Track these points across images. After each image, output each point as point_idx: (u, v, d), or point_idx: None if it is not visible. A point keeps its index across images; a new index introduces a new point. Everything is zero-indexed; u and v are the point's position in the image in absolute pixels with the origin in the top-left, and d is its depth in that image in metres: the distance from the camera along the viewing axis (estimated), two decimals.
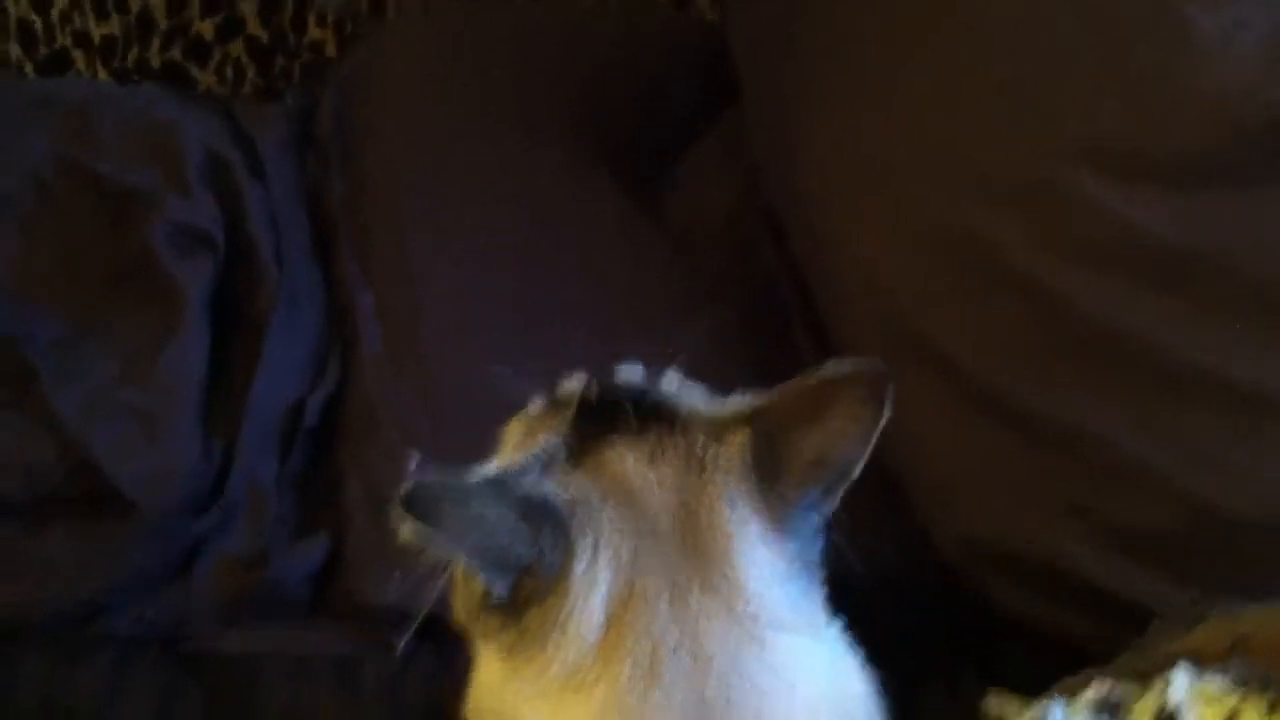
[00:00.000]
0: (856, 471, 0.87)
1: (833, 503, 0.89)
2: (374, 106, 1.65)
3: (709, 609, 0.84)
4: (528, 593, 0.84)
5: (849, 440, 0.86)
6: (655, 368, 0.96)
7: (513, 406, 0.97)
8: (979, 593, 1.18)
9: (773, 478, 0.86)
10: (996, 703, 0.98)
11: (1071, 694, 0.82)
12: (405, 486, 0.79)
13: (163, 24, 1.85)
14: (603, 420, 0.89)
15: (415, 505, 0.79)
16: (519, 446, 0.91)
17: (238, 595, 1.28)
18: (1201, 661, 0.82)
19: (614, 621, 0.83)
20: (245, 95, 1.87)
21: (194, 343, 1.37)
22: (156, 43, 1.85)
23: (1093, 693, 0.81)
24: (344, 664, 1.25)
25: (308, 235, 1.55)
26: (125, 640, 1.26)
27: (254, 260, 1.45)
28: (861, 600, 0.96)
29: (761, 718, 0.83)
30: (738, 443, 0.87)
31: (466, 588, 0.86)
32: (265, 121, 1.63)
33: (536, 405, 0.96)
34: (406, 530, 0.79)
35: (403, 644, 1.09)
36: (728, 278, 1.50)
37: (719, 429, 0.88)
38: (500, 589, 0.84)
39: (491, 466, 0.89)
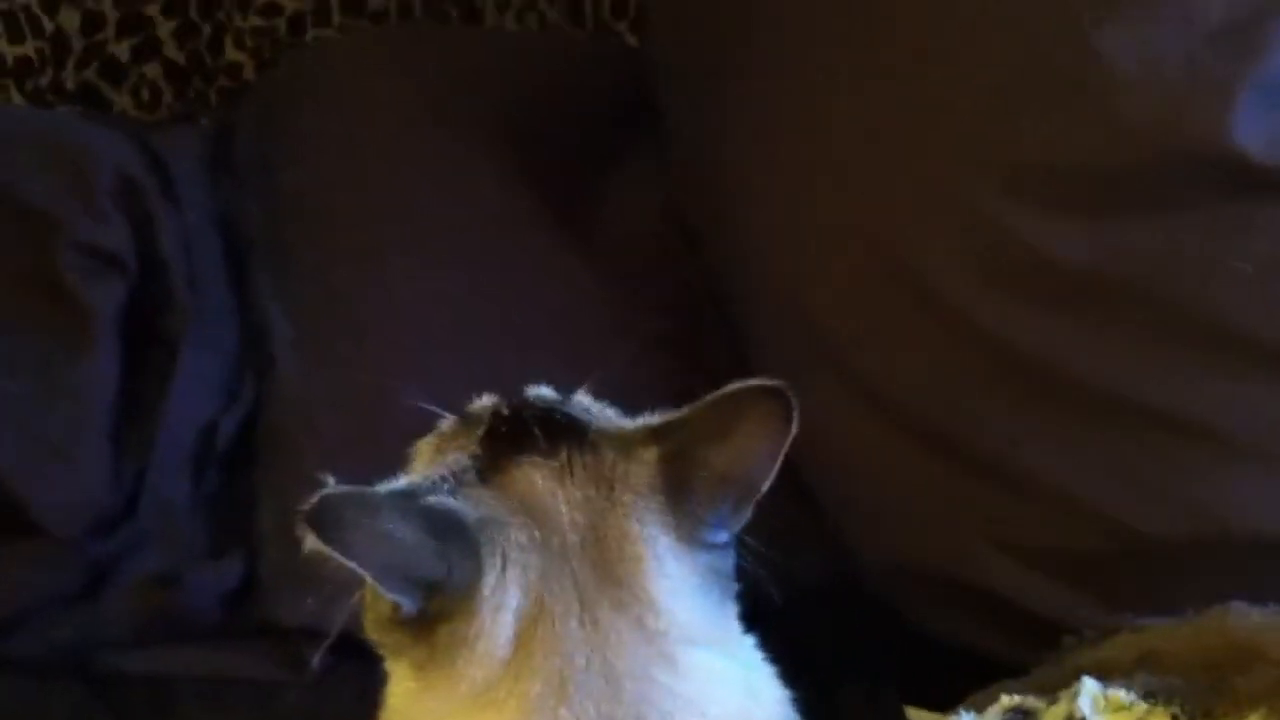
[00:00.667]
0: (765, 486, 0.86)
1: (743, 517, 0.88)
2: (296, 129, 1.64)
3: (619, 627, 0.83)
4: (436, 609, 0.83)
5: (756, 457, 0.85)
6: (565, 388, 0.96)
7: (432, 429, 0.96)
8: (900, 610, 1.19)
9: (682, 494, 0.86)
10: (915, 713, 0.99)
11: (982, 706, 0.82)
12: (311, 499, 0.78)
13: (78, 45, 1.82)
14: (513, 439, 0.89)
15: (320, 518, 0.78)
16: (429, 464, 0.91)
17: (150, 616, 1.26)
18: (1109, 674, 0.83)
19: (523, 639, 0.83)
20: (161, 118, 1.84)
21: (105, 364, 1.35)
22: (71, 64, 1.83)
23: (1003, 703, 0.81)
24: (261, 687, 1.24)
25: (222, 259, 1.53)
26: (35, 664, 1.24)
27: (166, 283, 1.44)
28: (780, 615, 0.96)
29: None
30: (647, 460, 0.87)
31: (375, 605, 0.85)
32: (180, 144, 1.63)
33: (447, 424, 0.95)
34: (310, 544, 0.77)
35: (317, 663, 1.09)
36: (652, 296, 1.50)
37: (628, 446, 0.88)
38: (409, 606, 0.83)
39: (400, 481, 0.89)
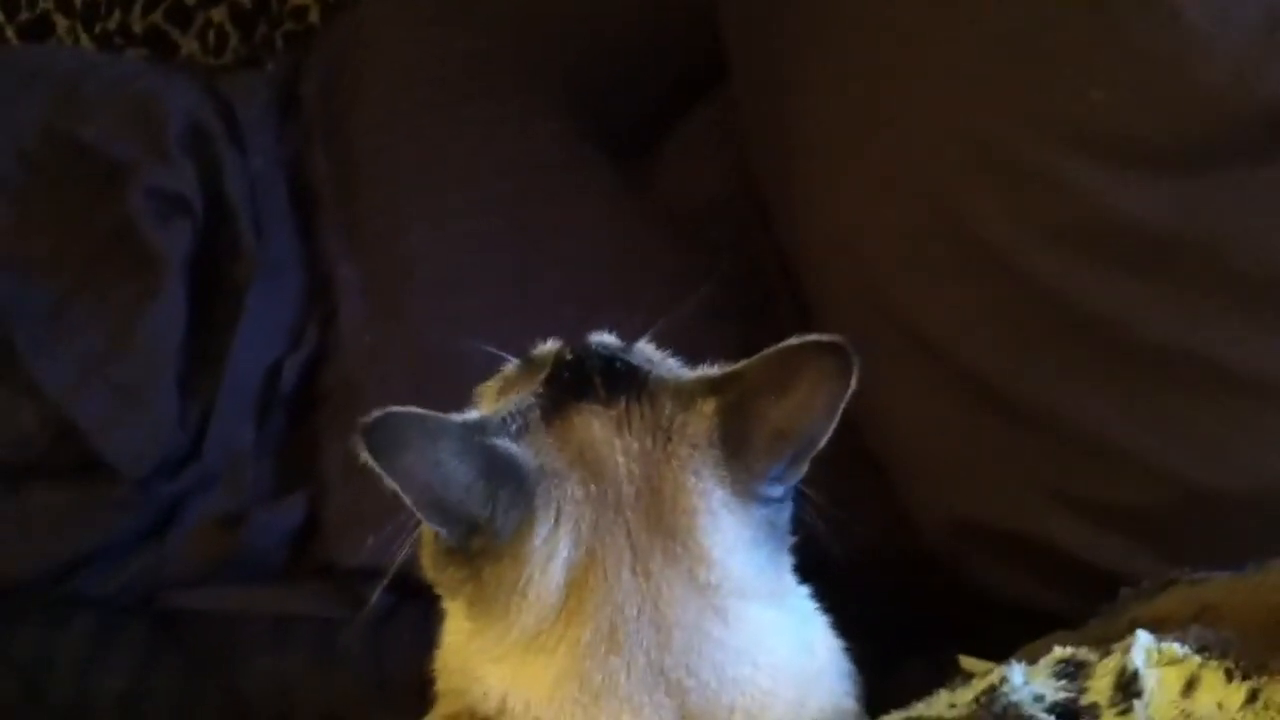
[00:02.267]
0: (823, 442, 0.87)
1: (800, 471, 0.89)
2: (360, 77, 1.64)
3: (671, 578, 0.84)
4: (478, 548, 0.85)
5: (815, 412, 0.86)
6: (629, 337, 0.97)
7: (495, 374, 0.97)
8: (961, 569, 1.19)
9: (739, 448, 0.87)
10: (967, 661, 0.99)
11: (1035, 657, 0.82)
12: (374, 413, 0.79)
13: None
14: (574, 385, 0.90)
15: (378, 435, 0.79)
16: (492, 406, 0.92)
17: (214, 556, 1.29)
18: (1165, 628, 0.82)
19: (574, 589, 0.84)
20: (227, 62, 1.85)
21: (173, 308, 1.37)
22: (138, 7, 1.84)
23: (1055, 655, 0.81)
24: (323, 625, 1.26)
25: (288, 205, 1.54)
26: (104, 602, 1.28)
27: (232, 228, 1.45)
28: (840, 573, 0.97)
29: (722, 685, 0.85)
30: (704, 412, 0.88)
31: (432, 541, 0.87)
32: (247, 90, 1.63)
33: (510, 367, 0.96)
34: (362, 457, 0.79)
35: (375, 599, 1.11)
36: (715, 255, 1.49)
37: (686, 398, 0.89)
38: (447, 536, 0.85)
39: (472, 413, 0.90)
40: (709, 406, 0.88)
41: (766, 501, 0.88)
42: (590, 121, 1.58)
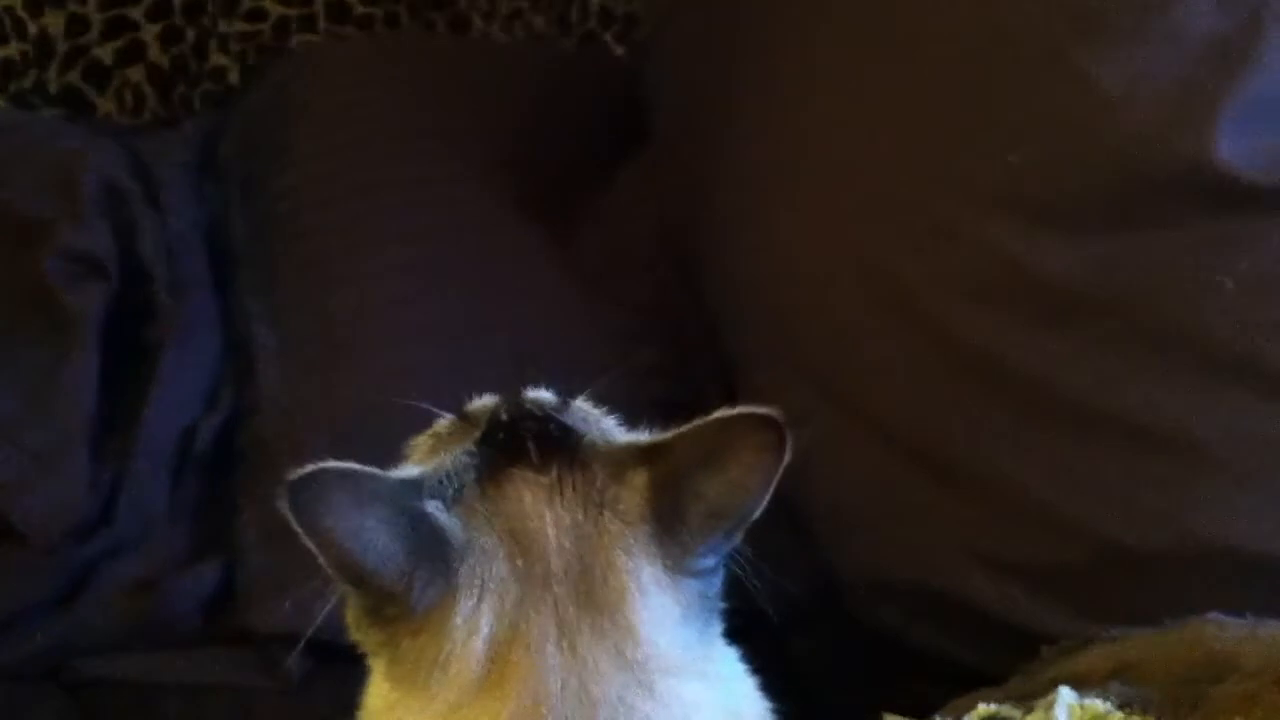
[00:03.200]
0: (757, 514, 0.87)
1: (734, 542, 0.89)
2: (282, 137, 1.65)
3: (598, 654, 0.84)
4: (392, 615, 0.84)
5: (750, 490, 0.86)
6: (565, 393, 0.96)
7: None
8: (883, 626, 1.19)
9: (672, 526, 0.86)
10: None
11: (960, 714, 0.83)
12: (305, 468, 0.78)
13: (62, 48, 1.82)
14: (508, 448, 0.89)
15: (304, 492, 0.78)
16: (424, 462, 0.91)
17: (129, 622, 1.26)
18: (1086, 685, 0.83)
19: (497, 664, 0.83)
20: (145, 122, 1.84)
21: (87, 371, 1.35)
22: (54, 66, 1.82)
23: (979, 712, 0.82)
24: (240, 692, 1.24)
25: (206, 266, 1.53)
26: (13, 671, 1.24)
27: (147, 289, 1.44)
28: (771, 631, 0.97)
29: None
30: (636, 485, 0.87)
31: (352, 599, 0.86)
32: (165, 149, 1.63)
33: (444, 423, 0.95)
34: (283, 512, 0.77)
35: (295, 668, 1.09)
36: (644, 316, 1.50)
37: (619, 467, 0.88)
38: (359, 600, 0.84)
39: (413, 469, 0.89)
40: (640, 479, 0.87)
41: (698, 574, 0.88)
42: (512, 182, 1.59)
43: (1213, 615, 0.87)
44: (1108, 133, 1.07)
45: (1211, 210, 1.05)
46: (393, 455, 0.95)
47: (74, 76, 1.84)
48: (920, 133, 1.15)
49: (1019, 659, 0.96)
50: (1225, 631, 0.85)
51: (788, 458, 0.84)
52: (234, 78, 1.87)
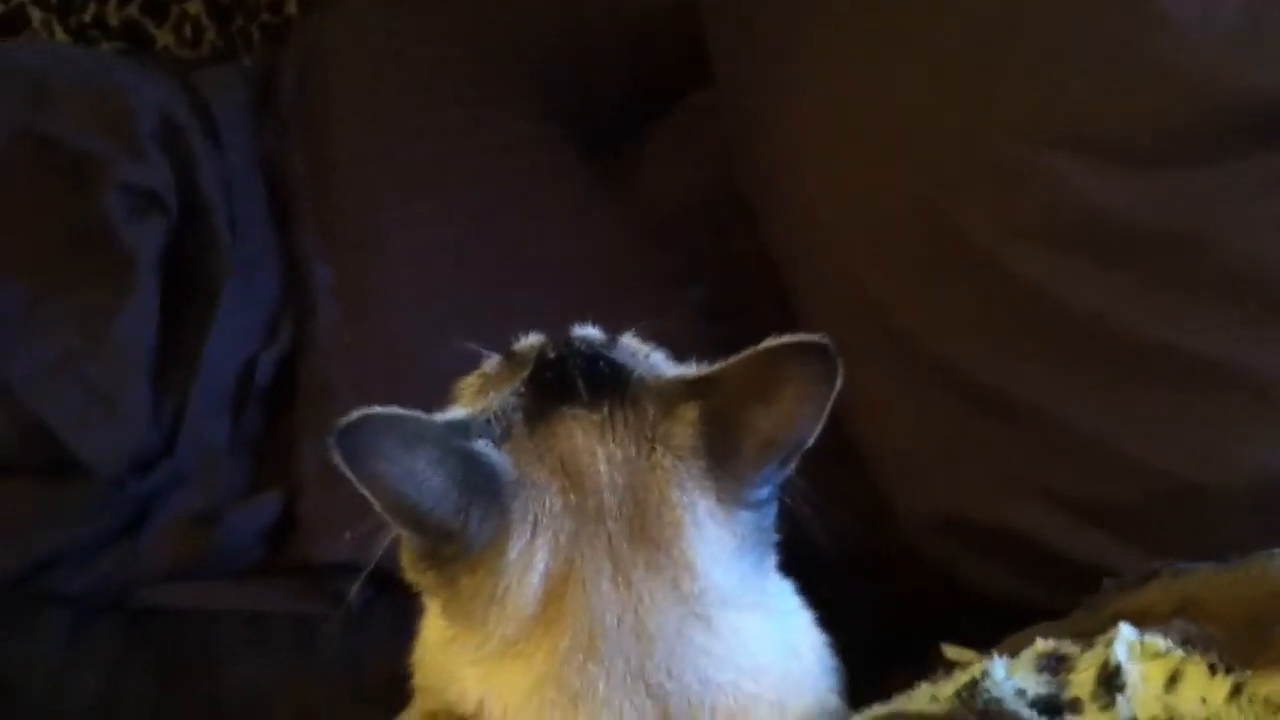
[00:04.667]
0: (810, 442, 0.86)
1: (787, 472, 0.88)
2: (335, 75, 1.64)
3: (654, 588, 0.84)
4: (450, 555, 0.84)
5: (802, 417, 0.85)
6: (613, 330, 0.96)
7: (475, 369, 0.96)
8: (943, 563, 1.19)
9: (726, 458, 0.86)
10: (950, 650, 0.98)
11: (1016, 650, 0.82)
12: (351, 415, 0.78)
13: None
14: (557, 386, 0.89)
15: (351, 440, 0.78)
16: (472, 403, 0.91)
17: (188, 554, 1.28)
18: (1147, 621, 0.82)
19: (552, 599, 0.84)
20: (203, 55, 1.85)
21: (146, 306, 1.36)
22: (114, 0, 1.83)
23: (1037, 648, 0.81)
24: (300, 622, 1.25)
25: (264, 202, 1.54)
26: (77, 601, 1.26)
27: (207, 224, 1.45)
28: (826, 566, 0.97)
29: (705, 689, 0.84)
30: (688, 419, 0.87)
31: (408, 541, 0.86)
32: (222, 85, 1.63)
33: (491, 363, 0.95)
34: (334, 460, 0.78)
35: (354, 597, 1.10)
36: (699, 257, 1.49)
37: (668, 402, 0.88)
38: (418, 543, 0.85)
39: (458, 412, 0.89)
40: (692, 413, 0.87)
41: (753, 506, 0.88)
42: (565, 124, 1.58)
43: (1277, 551, 0.86)
44: (1175, 65, 1.04)
45: (1267, 143, 1.03)
46: (449, 392, 0.95)
47: (133, 9, 1.85)
48: (983, 68, 1.13)
49: (1077, 595, 0.95)
50: None
51: (839, 385, 0.84)
52: (292, 9, 1.87)
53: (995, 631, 0.93)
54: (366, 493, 0.80)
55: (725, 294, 1.45)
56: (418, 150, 1.55)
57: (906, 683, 0.87)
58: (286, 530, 1.30)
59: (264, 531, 1.30)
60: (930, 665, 0.90)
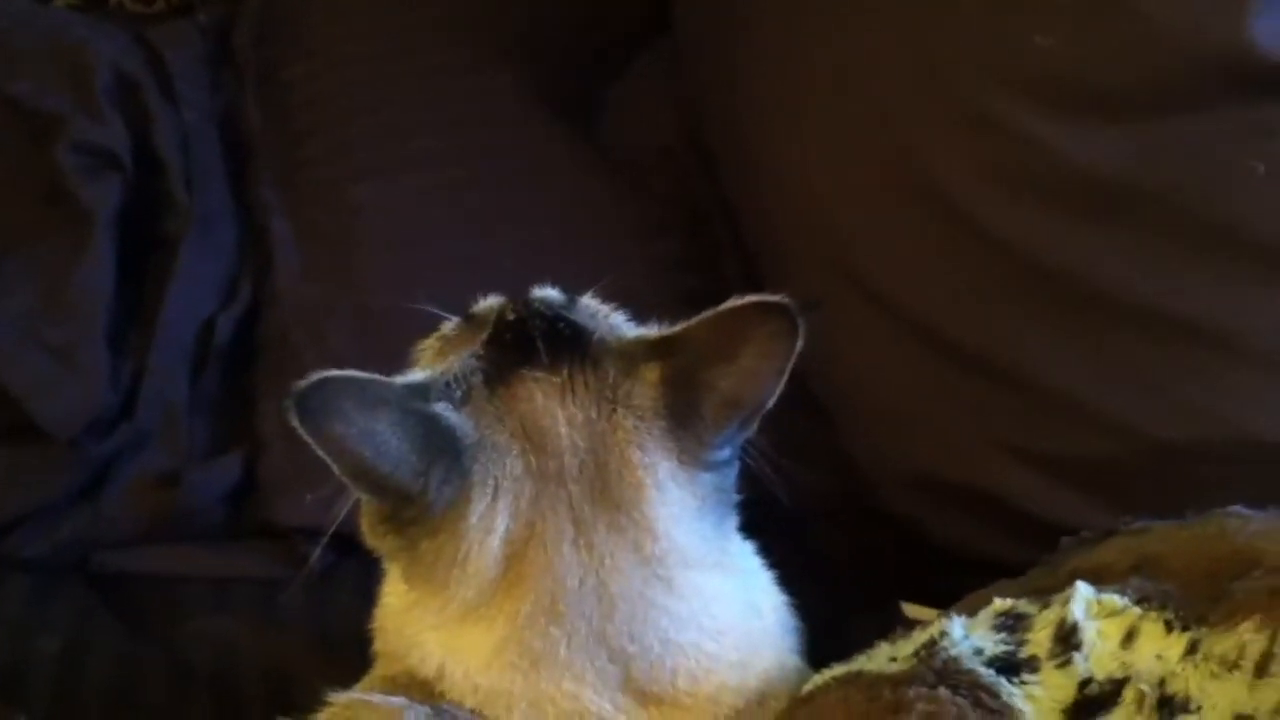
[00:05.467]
0: (771, 402, 0.87)
1: (749, 431, 0.89)
2: (298, 27, 1.63)
3: (615, 550, 0.84)
4: (411, 519, 0.84)
5: (764, 377, 0.86)
6: (573, 290, 0.95)
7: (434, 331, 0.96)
8: (912, 521, 1.19)
9: (687, 419, 0.86)
10: (910, 608, 0.99)
11: (975, 609, 0.82)
12: (308, 378, 0.78)
13: None
14: (516, 348, 0.88)
15: (309, 402, 0.78)
16: (431, 366, 0.90)
17: (150, 516, 1.27)
18: (1105, 578, 0.83)
19: (513, 562, 0.84)
20: (159, 10, 1.81)
21: (103, 265, 1.35)
22: None
23: (995, 607, 0.81)
24: (263, 585, 1.25)
25: (221, 158, 1.52)
26: (39, 564, 1.25)
27: (164, 181, 1.44)
28: (787, 525, 0.97)
29: (667, 650, 0.85)
30: (649, 380, 0.87)
31: (368, 506, 0.86)
32: (178, 40, 1.61)
33: (450, 325, 0.95)
34: (292, 423, 0.77)
35: (316, 561, 1.10)
36: (663, 208, 1.49)
37: (629, 362, 0.88)
38: (376, 507, 0.85)
39: (417, 374, 0.88)
40: (653, 374, 0.87)
41: (714, 466, 0.88)
42: (526, 72, 1.57)
43: (1236, 508, 0.87)
44: (1152, 16, 1.04)
45: (1249, 96, 1.03)
46: (410, 350, 0.95)
47: None
48: (958, 20, 1.12)
49: (1043, 550, 0.96)
50: (1249, 525, 0.84)
51: (800, 344, 0.84)
52: None
53: (957, 587, 0.93)
54: (325, 456, 0.80)
55: (691, 247, 1.45)
56: (376, 101, 1.54)
57: (866, 639, 0.87)
58: (249, 492, 1.29)
59: (226, 493, 1.29)
60: (889, 623, 0.91)
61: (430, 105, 1.53)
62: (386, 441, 0.81)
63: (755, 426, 0.88)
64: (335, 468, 0.80)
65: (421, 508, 0.83)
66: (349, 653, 0.98)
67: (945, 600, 0.91)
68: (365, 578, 0.99)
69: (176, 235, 1.40)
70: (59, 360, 1.29)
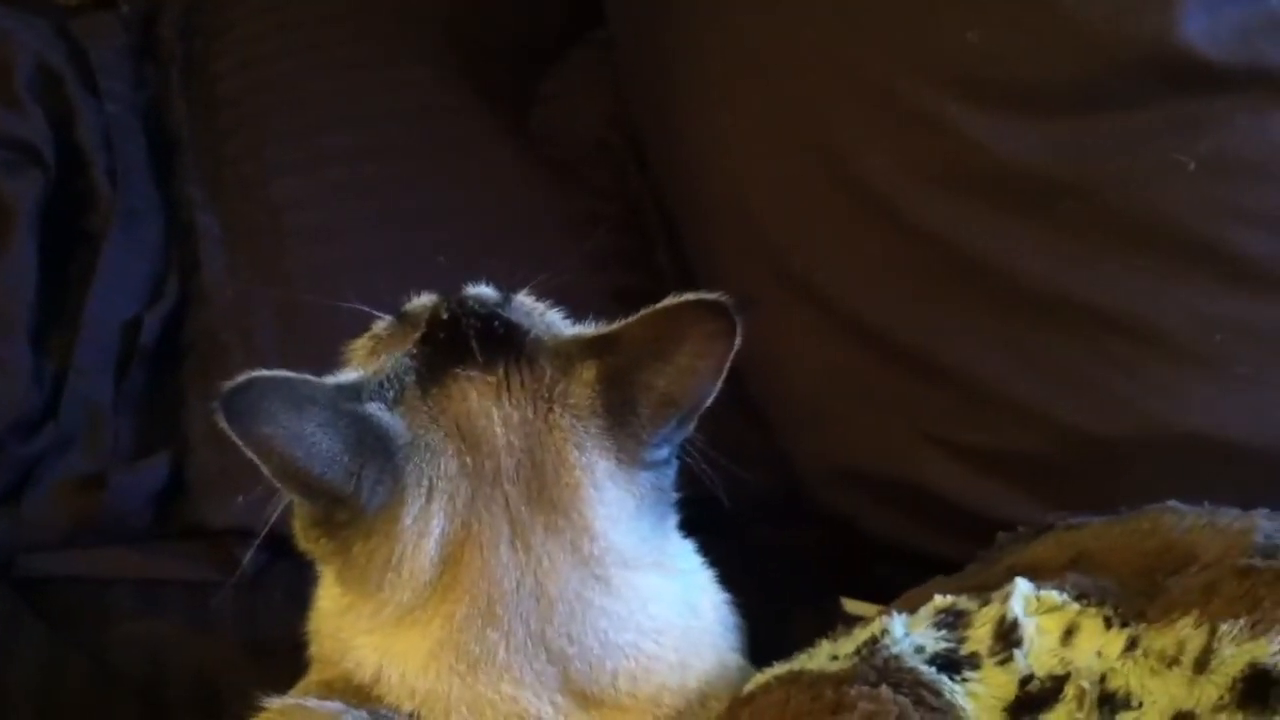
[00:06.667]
0: (709, 401, 0.87)
1: (687, 431, 0.89)
2: (223, 18, 1.62)
3: (553, 550, 0.84)
4: (343, 521, 0.83)
5: (701, 376, 0.85)
6: (507, 288, 0.94)
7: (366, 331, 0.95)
8: (843, 516, 1.19)
9: (624, 418, 0.86)
10: (851, 604, 0.99)
11: (915, 605, 0.83)
12: (237, 379, 0.77)
13: None
14: (450, 347, 0.88)
15: (237, 403, 0.77)
16: (363, 365, 0.89)
17: (75, 519, 1.25)
18: (1041, 574, 0.83)
19: (449, 564, 0.83)
20: (82, 2, 1.79)
21: (24, 261, 1.33)
22: None
23: (935, 604, 0.82)
24: (192, 588, 1.22)
25: (145, 152, 1.50)
26: None
27: (86, 176, 1.42)
28: (727, 524, 0.96)
29: (606, 651, 0.85)
30: (585, 379, 0.86)
31: (300, 508, 0.85)
32: (101, 32, 1.59)
33: (382, 324, 0.94)
34: (220, 424, 0.76)
35: (247, 563, 1.08)
36: (596, 201, 1.48)
37: (566, 361, 0.87)
38: (307, 509, 0.84)
39: (351, 374, 0.87)
40: (590, 372, 0.87)
41: (652, 465, 0.88)
42: (464, 65, 1.56)
43: (1170, 503, 0.87)
44: (1075, 12, 1.05)
45: (1174, 91, 1.04)
46: (341, 350, 0.93)
47: None
48: (880, 13, 1.12)
49: (977, 545, 0.97)
50: (1183, 520, 0.84)
51: (738, 343, 0.84)
52: None
53: (895, 582, 0.93)
54: (255, 458, 0.79)
55: (625, 242, 1.44)
56: (303, 93, 1.52)
57: (807, 636, 0.87)
58: (176, 493, 1.27)
59: (153, 495, 1.27)
60: (830, 617, 0.91)
61: (352, 98, 1.52)
62: (317, 442, 0.80)
63: (693, 425, 0.88)
64: (265, 469, 0.79)
65: (354, 510, 0.82)
66: (281, 657, 0.97)
67: (885, 595, 0.92)
68: (298, 580, 0.97)
69: (100, 231, 1.38)
70: None
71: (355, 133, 1.49)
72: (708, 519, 0.95)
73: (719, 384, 0.86)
